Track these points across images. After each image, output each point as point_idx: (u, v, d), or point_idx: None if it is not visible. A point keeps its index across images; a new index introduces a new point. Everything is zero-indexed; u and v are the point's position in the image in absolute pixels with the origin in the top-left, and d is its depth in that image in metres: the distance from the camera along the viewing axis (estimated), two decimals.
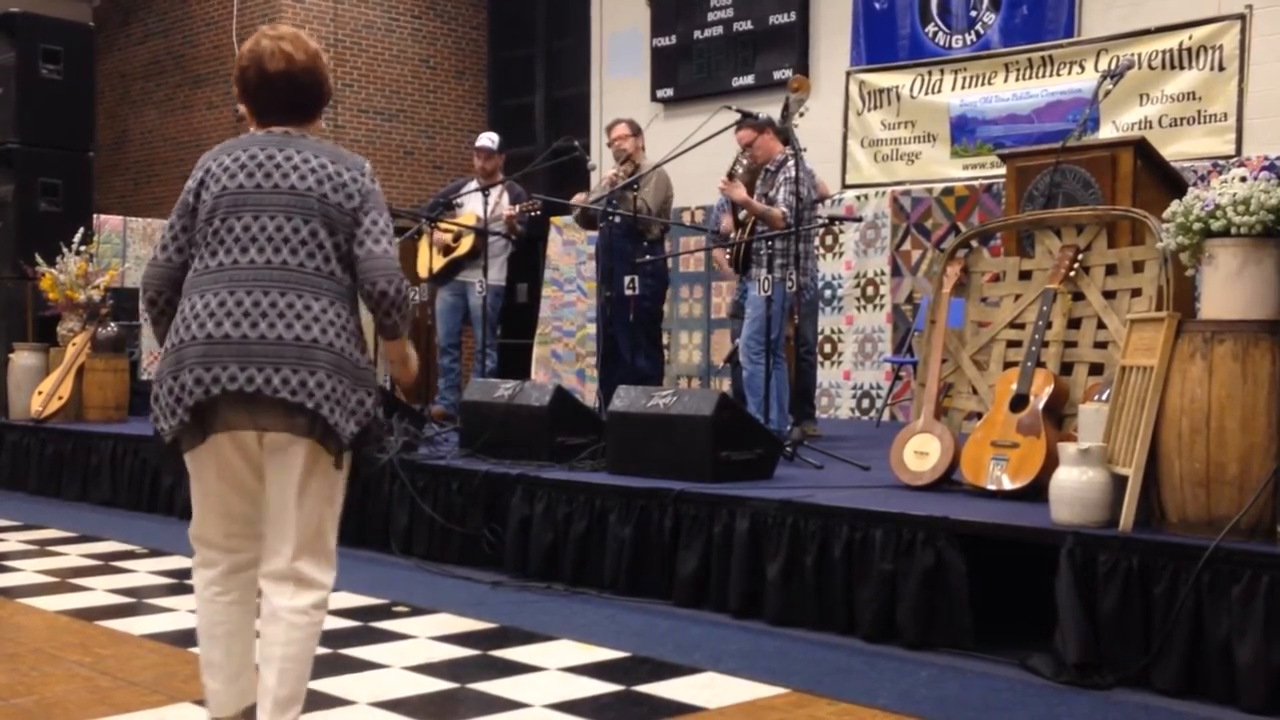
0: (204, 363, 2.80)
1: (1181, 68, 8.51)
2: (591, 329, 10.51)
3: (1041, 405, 4.68)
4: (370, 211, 2.94)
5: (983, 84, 9.53)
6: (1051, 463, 4.33)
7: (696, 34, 11.45)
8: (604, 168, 8.60)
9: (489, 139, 8.53)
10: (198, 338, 2.82)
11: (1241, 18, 8.25)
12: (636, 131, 7.92)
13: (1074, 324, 4.93)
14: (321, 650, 4.20)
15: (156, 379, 2.90)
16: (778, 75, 10.59)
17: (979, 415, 5.08)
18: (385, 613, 4.82)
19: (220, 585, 2.99)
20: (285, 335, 2.81)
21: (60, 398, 8.54)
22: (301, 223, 2.88)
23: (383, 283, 2.90)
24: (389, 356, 3.10)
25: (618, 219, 7.42)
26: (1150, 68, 8.60)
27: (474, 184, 8.46)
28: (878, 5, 10.21)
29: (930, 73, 9.82)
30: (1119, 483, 4.00)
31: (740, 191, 6.93)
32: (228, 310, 2.82)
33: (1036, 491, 4.46)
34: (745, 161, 7.09)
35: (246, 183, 2.89)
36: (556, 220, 11.59)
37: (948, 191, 9.37)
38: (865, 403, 9.66)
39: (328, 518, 2.94)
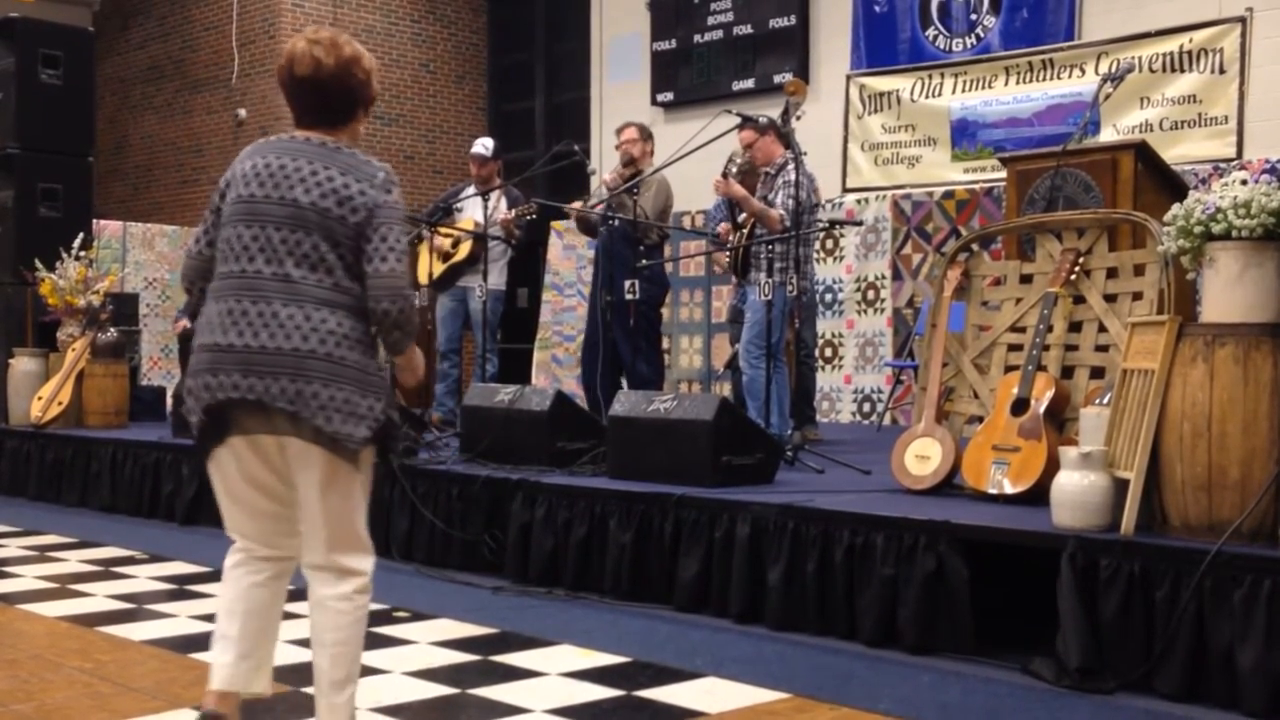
0: (211, 369, 2.91)
1: (1182, 71, 8.51)
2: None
3: (1043, 409, 4.67)
4: (379, 227, 2.93)
5: (983, 87, 9.53)
6: (1053, 467, 4.33)
7: (696, 38, 11.45)
8: (604, 172, 8.59)
9: (483, 145, 8.52)
10: (206, 344, 2.94)
11: (1242, 21, 8.25)
12: (647, 137, 7.92)
13: (1075, 327, 4.93)
14: None
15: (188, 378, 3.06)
16: (778, 79, 10.58)
17: (980, 419, 5.07)
18: (386, 618, 4.81)
19: (249, 566, 3.07)
20: (284, 346, 2.88)
21: (60, 403, 8.54)
22: (304, 235, 2.92)
23: (385, 303, 2.94)
24: (397, 365, 3.18)
25: (616, 223, 7.42)
26: (1151, 71, 8.60)
27: (473, 189, 8.47)
28: (878, 8, 10.21)
29: (930, 76, 9.82)
30: (1120, 487, 3.99)
31: (738, 189, 6.92)
32: (234, 319, 2.91)
33: (1038, 496, 4.45)
34: (740, 162, 7.09)
35: (258, 192, 2.95)
36: (557, 225, 11.59)
37: (948, 195, 9.37)
38: (866, 407, 9.66)
39: (354, 512, 3.03)
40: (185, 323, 9.93)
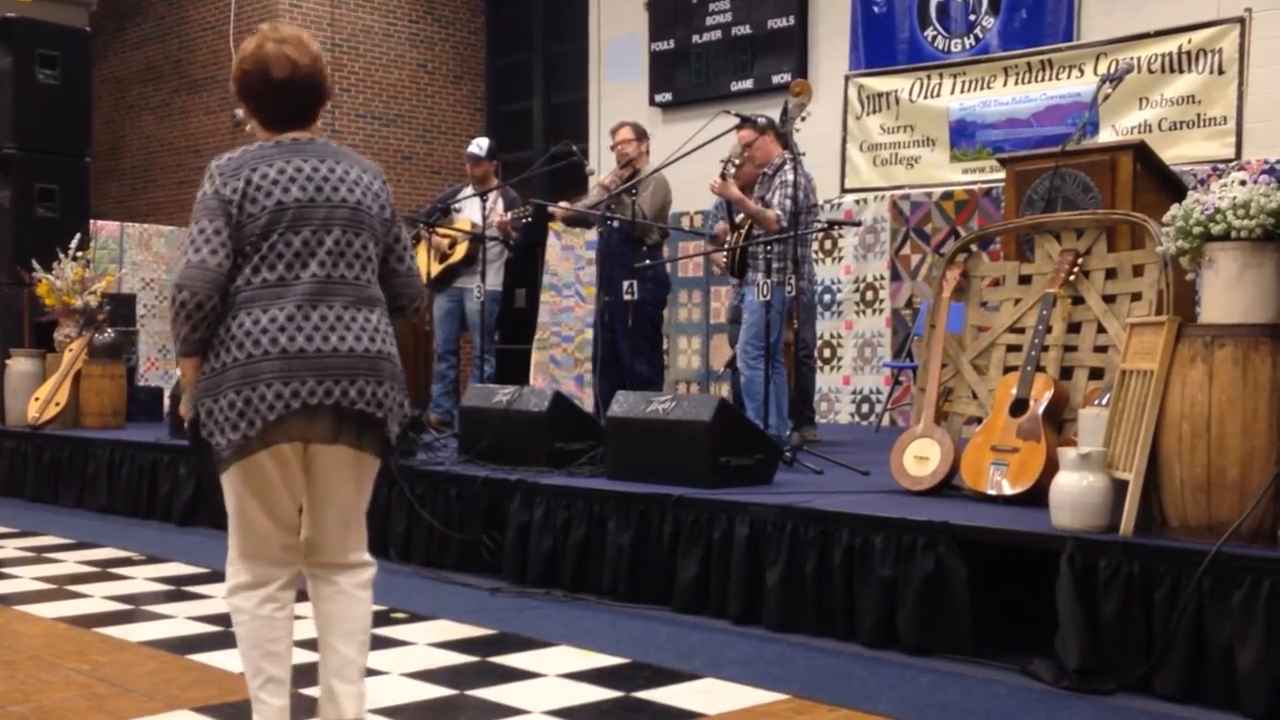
0: (282, 377, 2.82)
1: (1181, 71, 8.50)
2: (590, 334, 10.50)
3: (1041, 410, 4.67)
4: (400, 224, 3.09)
5: (982, 88, 9.52)
6: (1051, 467, 4.32)
7: (695, 38, 11.44)
8: (603, 172, 8.58)
9: (477, 146, 8.52)
10: (271, 352, 2.82)
11: (1241, 21, 8.25)
12: (641, 136, 7.89)
13: (1074, 328, 4.92)
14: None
15: (210, 392, 2.85)
16: (776, 80, 10.58)
17: (979, 420, 5.07)
18: (384, 619, 4.80)
19: (278, 600, 2.99)
20: (356, 348, 2.89)
21: (57, 404, 8.52)
22: (354, 236, 2.95)
23: (418, 301, 3.13)
24: None
25: (615, 224, 7.40)
26: (1149, 71, 8.59)
27: (470, 189, 8.46)
28: (876, 9, 10.21)
29: (929, 76, 9.82)
30: (1119, 488, 3.99)
31: (735, 190, 6.91)
32: (298, 324, 2.85)
33: (1037, 496, 4.44)
34: (737, 162, 7.08)
35: (301, 196, 2.90)
36: (555, 225, 11.57)
37: (947, 195, 9.36)
38: (865, 408, 9.65)
39: (365, 508, 3.12)
40: None
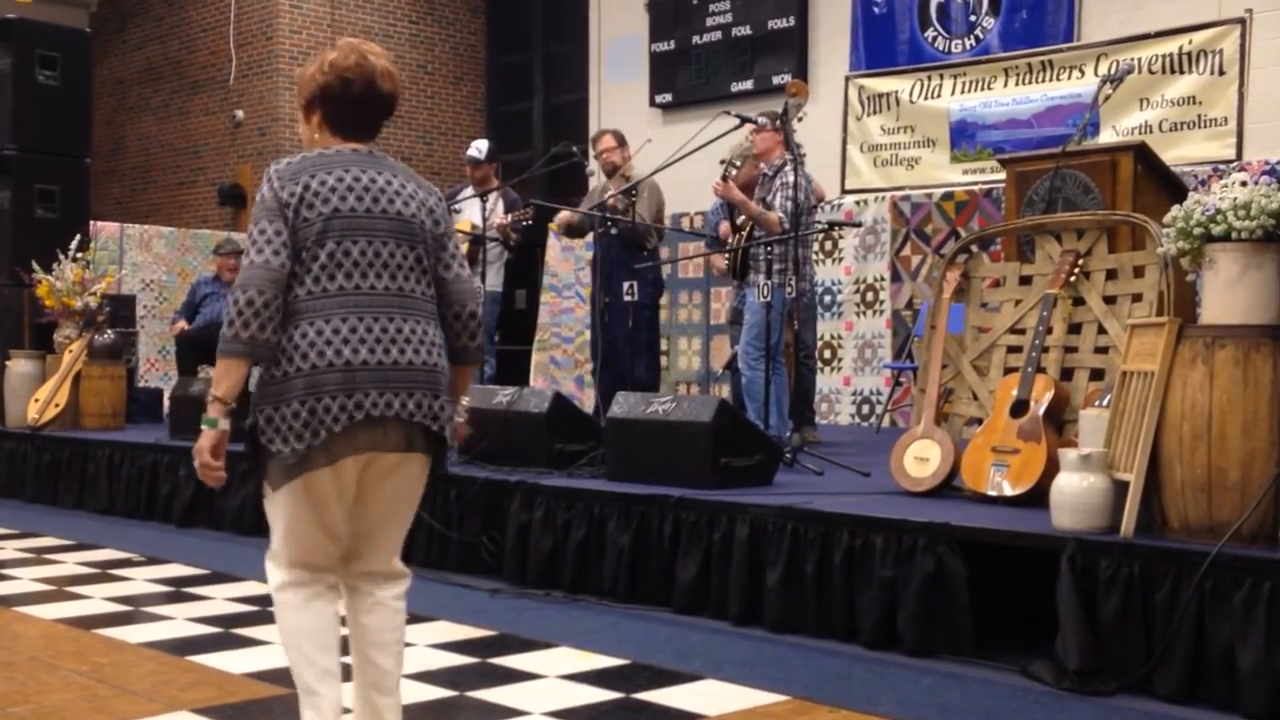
0: (346, 389, 2.81)
1: (1181, 72, 8.50)
2: (590, 335, 10.50)
3: (1042, 411, 4.67)
4: (452, 235, 3.09)
5: (982, 88, 9.52)
6: (1052, 468, 4.32)
7: (695, 39, 11.44)
8: (601, 174, 8.58)
9: (476, 149, 8.52)
10: (335, 364, 2.82)
11: (1241, 22, 8.25)
12: (622, 142, 7.89)
13: (1074, 329, 4.92)
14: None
15: (271, 400, 2.82)
16: (776, 80, 10.57)
17: (979, 421, 5.07)
18: None
19: (326, 597, 2.99)
20: (415, 360, 2.89)
21: (57, 405, 8.52)
22: (409, 249, 2.95)
23: (473, 304, 3.05)
24: (462, 387, 3.12)
25: (614, 231, 7.40)
26: (1150, 72, 8.59)
27: (471, 190, 8.46)
28: (877, 10, 10.21)
29: (930, 77, 9.81)
30: (1120, 488, 3.98)
31: (737, 192, 6.91)
32: (360, 337, 2.84)
33: (1037, 497, 4.44)
34: (738, 163, 7.07)
35: (357, 206, 2.91)
36: (554, 226, 11.56)
37: (947, 196, 9.36)
38: (865, 408, 9.64)
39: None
40: (183, 324, 9.92)
